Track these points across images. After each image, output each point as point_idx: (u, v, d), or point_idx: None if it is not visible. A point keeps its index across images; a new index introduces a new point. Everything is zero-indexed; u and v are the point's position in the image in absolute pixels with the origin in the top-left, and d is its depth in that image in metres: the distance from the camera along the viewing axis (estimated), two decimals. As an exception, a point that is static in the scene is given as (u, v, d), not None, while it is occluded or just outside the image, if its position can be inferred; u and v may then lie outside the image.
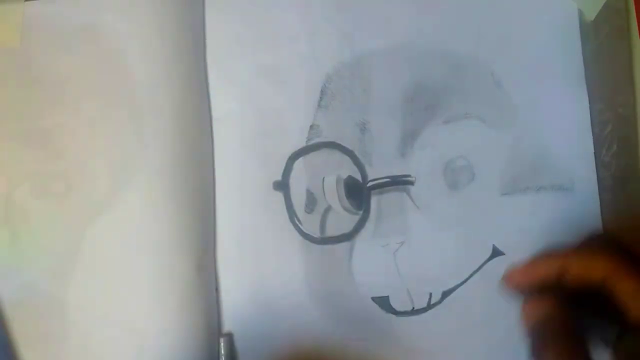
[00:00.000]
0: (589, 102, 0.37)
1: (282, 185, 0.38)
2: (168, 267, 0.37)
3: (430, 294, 0.37)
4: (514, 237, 0.37)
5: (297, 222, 0.38)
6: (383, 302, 0.37)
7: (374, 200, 0.38)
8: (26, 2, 0.39)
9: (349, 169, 0.38)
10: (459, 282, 0.37)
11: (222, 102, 0.39)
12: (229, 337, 0.38)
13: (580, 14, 0.38)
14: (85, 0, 0.39)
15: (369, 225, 0.38)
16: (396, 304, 0.37)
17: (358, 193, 0.38)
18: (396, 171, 0.38)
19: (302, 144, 0.38)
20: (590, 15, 0.38)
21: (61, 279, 0.37)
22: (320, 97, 0.38)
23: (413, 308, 0.37)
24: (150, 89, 0.38)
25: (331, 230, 0.38)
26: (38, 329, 0.37)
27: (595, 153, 0.37)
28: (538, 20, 0.38)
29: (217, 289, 0.38)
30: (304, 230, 0.38)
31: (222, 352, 0.37)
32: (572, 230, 0.36)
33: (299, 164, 0.38)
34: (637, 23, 0.38)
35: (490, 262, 0.37)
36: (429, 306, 0.37)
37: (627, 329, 0.27)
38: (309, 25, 0.39)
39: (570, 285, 0.28)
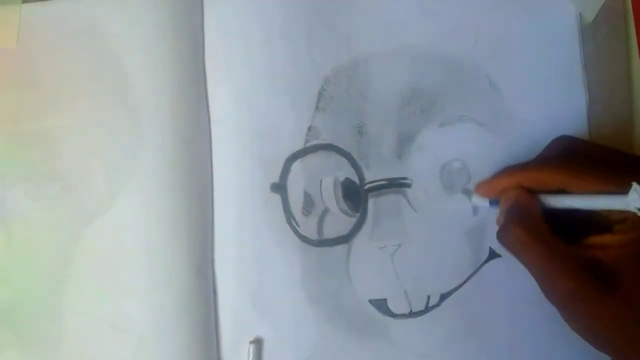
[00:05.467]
0: (587, 103, 0.37)
1: (280, 187, 0.38)
2: (165, 269, 0.37)
3: (429, 297, 0.37)
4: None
5: (295, 224, 0.38)
6: (381, 305, 0.37)
7: (371, 203, 0.38)
8: (24, 3, 0.39)
9: (346, 171, 0.38)
10: (456, 284, 0.37)
11: (220, 104, 0.39)
12: (258, 343, 0.38)
13: (579, 16, 0.38)
14: (82, 2, 0.39)
15: (366, 227, 0.38)
16: (394, 307, 0.37)
17: (355, 195, 0.38)
18: (393, 173, 0.38)
19: (299, 146, 0.38)
20: (589, 16, 0.37)
21: (57, 282, 0.37)
22: (318, 100, 0.38)
23: (411, 311, 0.37)
24: (148, 90, 0.38)
25: (328, 233, 0.38)
26: (34, 332, 0.37)
27: (593, 154, 0.37)
28: (536, 23, 0.38)
29: (214, 291, 0.38)
30: (302, 233, 0.38)
31: (251, 358, 0.37)
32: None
33: (296, 166, 0.38)
34: (634, 24, 0.38)
35: (487, 264, 0.37)
36: (427, 309, 0.37)
37: None
38: (307, 28, 0.38)
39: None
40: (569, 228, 0.32)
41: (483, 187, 0.35)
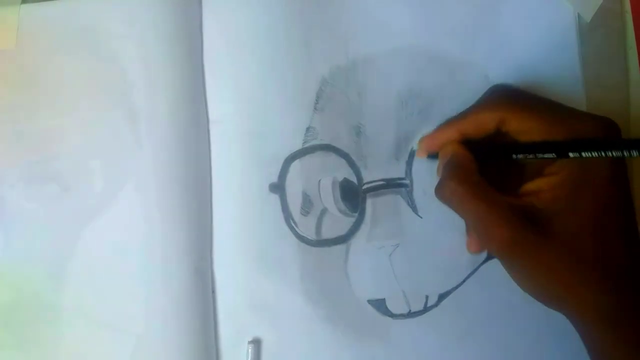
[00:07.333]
0: (585, 103, 0.37)
1: (278, 188, 0.38)
2: (164, 269, 0.37)
3: (427, 297, 0.37)
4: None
5: (293, 225, 0.38)
6: (379, 305, 0.38)
7: (369, 203, 0.38)
8: (22, 4, 0.39)
9: (344, 172, 0.38)
10: (455, 284, 0.37)
11: (218, 104, 0.39)
12: (257, 343, 0.38)
13: (577, 16, 0.38)
14: (81, 3, 0.39)
15: (364, 227, 0.38)
16: (392, 307, 0.37)
17: (353, 196, 0.38)
18: (391, 174, 0.38)
19: (298, 146, 0.38)
20: (587, 16, 0.37)
21: (55, 282, 0.37)
22: (316, 100, 0.38)
23: (409, 311, 0.37)
24: (147, 90, 0.38)
25: (327, 233, 0.38)
26: (32, 332, 0.37)
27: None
28: (534, 23, 0.38)
29: (213, 292, 0.38)
30: (300, 233, 0.38)
31: (249, 358, 0.37)
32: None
33: (295, 166, 0.38)
34: (633, 25, 0.38)
35: (486, 264, 0.37)
36: (426, 309, 0.38)
37: None
38: (305, 29, 0.38)
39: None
40: (506, 178, 0.33)
41: (425, 141, 0.35)
